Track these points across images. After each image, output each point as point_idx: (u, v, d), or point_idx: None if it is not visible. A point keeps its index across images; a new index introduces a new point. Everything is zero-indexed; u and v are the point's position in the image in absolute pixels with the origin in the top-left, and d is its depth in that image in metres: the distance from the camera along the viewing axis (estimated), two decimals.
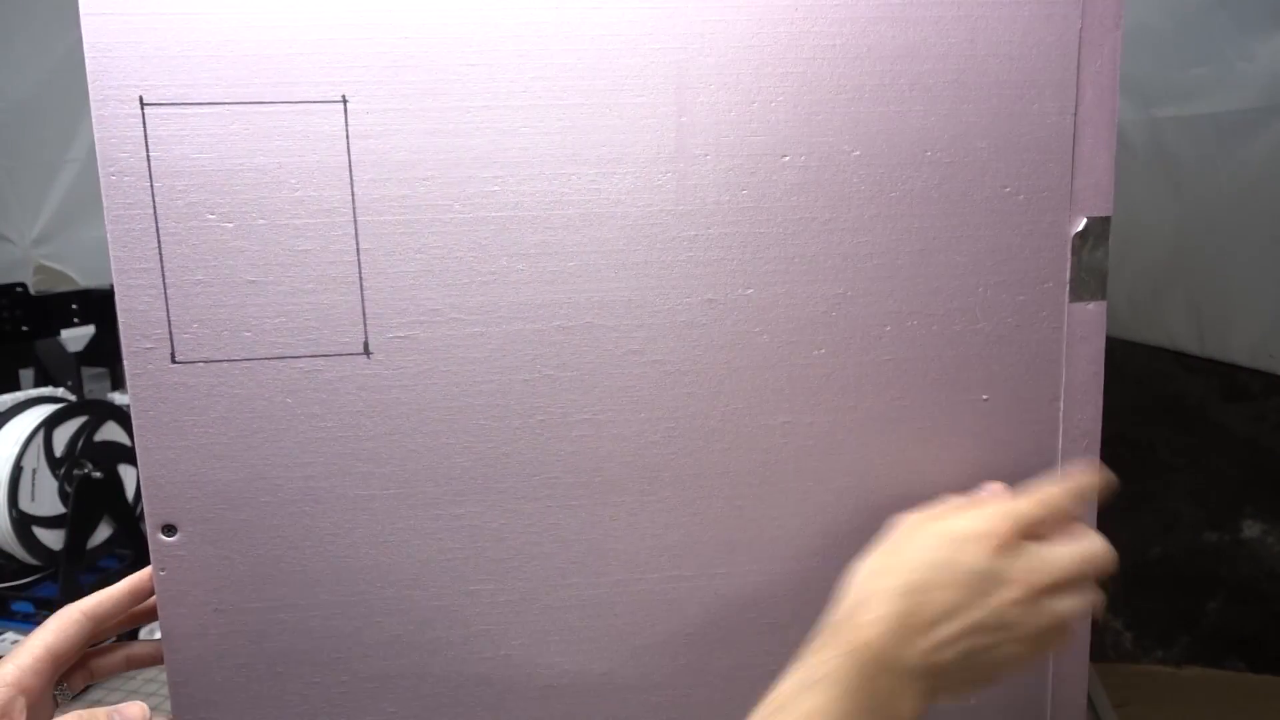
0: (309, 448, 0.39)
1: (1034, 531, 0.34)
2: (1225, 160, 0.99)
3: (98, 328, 1.40)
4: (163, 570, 0.39)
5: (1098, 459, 0.43)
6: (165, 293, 0.38)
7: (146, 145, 0.37)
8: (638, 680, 0.43)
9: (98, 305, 1.40)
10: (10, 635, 1.12)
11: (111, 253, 0.37)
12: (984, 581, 0.29)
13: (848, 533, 0.43)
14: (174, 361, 0.38)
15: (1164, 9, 0.99)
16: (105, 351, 1.40)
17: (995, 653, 0.30)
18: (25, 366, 1.36)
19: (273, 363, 0.38)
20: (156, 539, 0.39)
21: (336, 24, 0.37)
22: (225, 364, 0.38)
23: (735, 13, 0.38)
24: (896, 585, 0.31)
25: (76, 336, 1.38)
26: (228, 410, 0.38)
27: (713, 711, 0.43)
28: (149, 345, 0.38)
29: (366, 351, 0.39)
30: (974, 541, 0.31)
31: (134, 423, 0.38)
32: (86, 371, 1.42)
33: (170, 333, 0.38)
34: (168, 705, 0.40)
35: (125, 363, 0.38)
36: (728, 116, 0.39)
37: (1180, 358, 1.08)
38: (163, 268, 0.37)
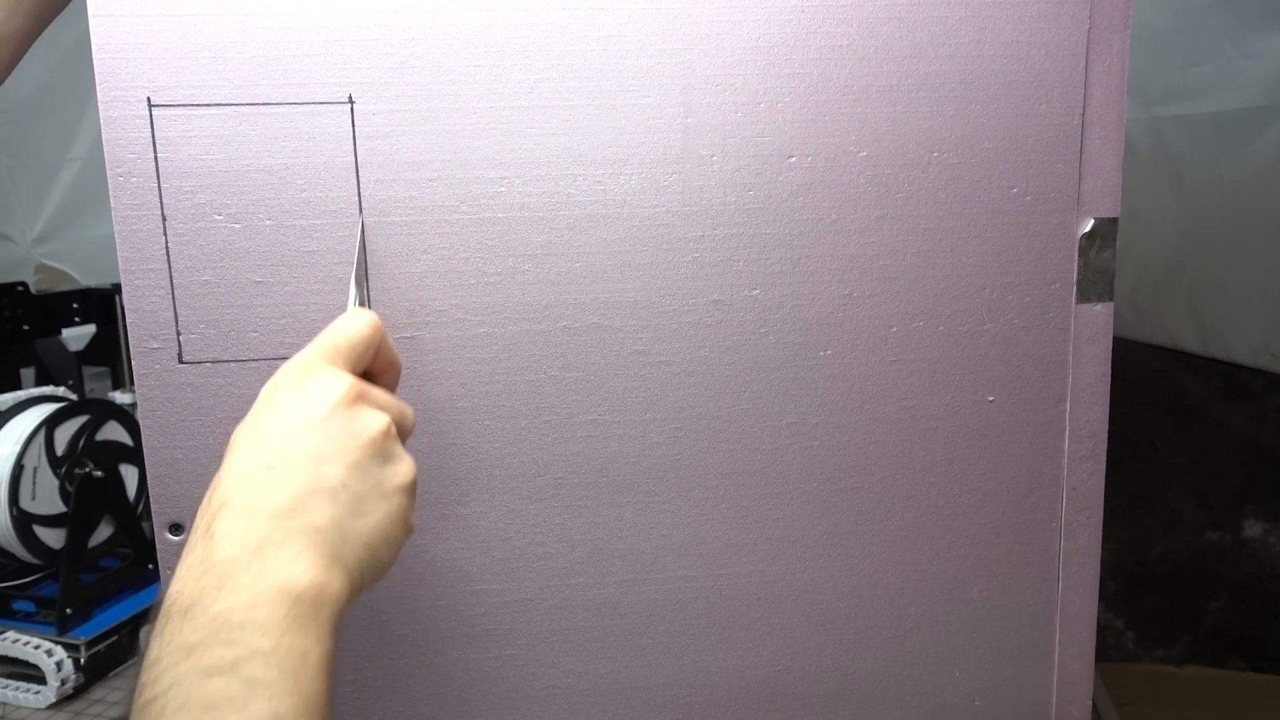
0: None
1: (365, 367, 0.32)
2: (1226, 159, 0.99)
3: (98, 327, 1.40)
4: (169, 569, 0.39)
5: (1105, 461, 0.43)
6: (172, 293, 0.38)
7: (154, 146, 0.37)
8: (642, 680, 0.43)
9: (98, 304, 1.41)
10: (11, 634, 1.12)
11: (119, 253, 0.37)
12: (317, 461, 0.28)
13: (852, 534, 0.43)
14: (181, 362, 0.38)
15: (1165, 8, 0.99)
16: (106, 350, 1.41)
17: (361, 523, 0.28)
18: (26, 365, 1.36)
19: (280, 363, 0.38)
20: (163, 538, 0.39)
21: (343, 25, 0.37)
22: (232, 364, 0.38)
23: (742, 14, 0.38)
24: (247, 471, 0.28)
25: (77, 335, 1.39)
26: (234, 410, 0.38)
27: (717, 711, 0.44)
28: (156, 345, 0.38)
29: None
30: (307, 423, 0.28)
31: (141, 422, 0.38)
32: (87, 370, 1.42)
33: (177, 333, 0.38)
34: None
35: (132, 363, 0.38)
36: (734, 117, 0.39)
37: (1182, 357, 1.09)
38: (170, 268, 0.38)
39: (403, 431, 0.32)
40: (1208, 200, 1.00)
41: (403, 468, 0.30)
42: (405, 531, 0.30)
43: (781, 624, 0.43)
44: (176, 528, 0.39)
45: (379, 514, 0.29)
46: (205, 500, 0.28)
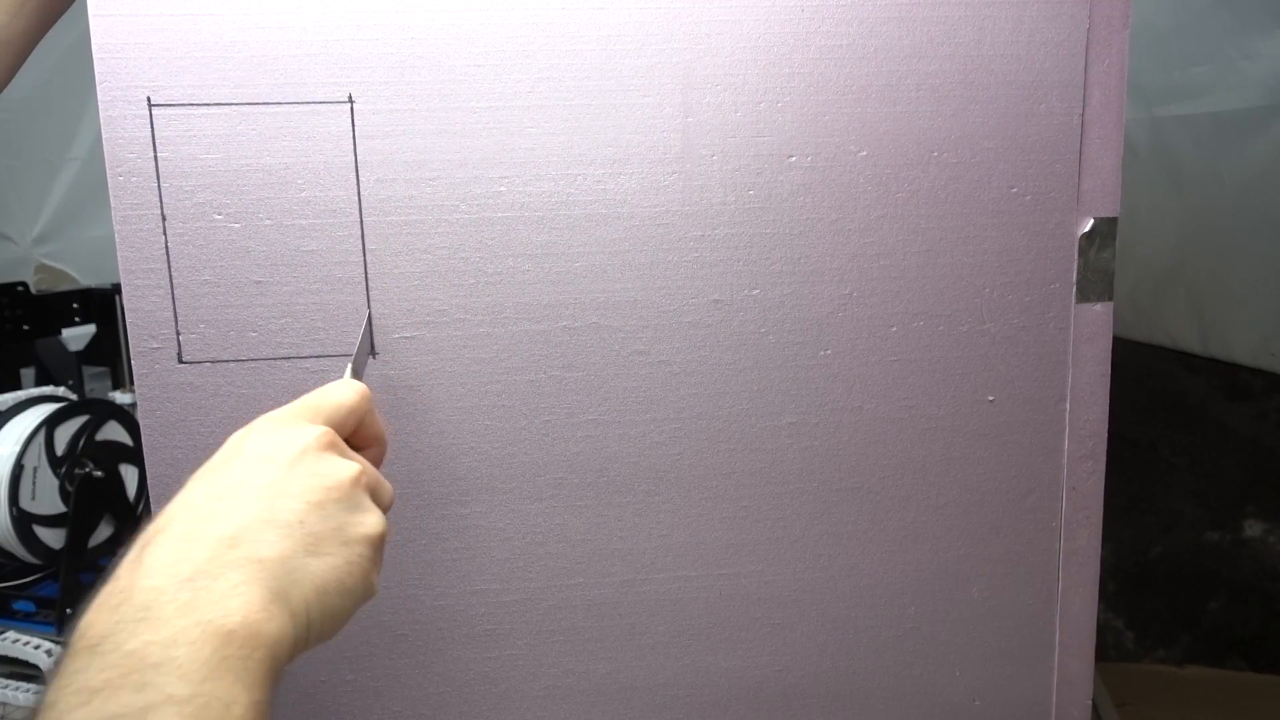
0: None
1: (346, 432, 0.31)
2: (1226, 159, 0.99)
3: (98, 327, 1.40)
4: None
5: (1104, 460, 0.43)
6: (172, 293, 0.38)
7: (154, 146, 0.37)
8: (642, 680, 0.43)
9: (98, 304, 1.41)
10: (11, 634, 1.12)
11: (119, 253, 0.37)
12: (274, 494, 0.25)
13: (852, 534, 0.43)
14: (181, 361, 0.38)
15: (1165, 8, 0.99)
16: (106, 350, 1.41)
17: (315, 564, 0.25)
18: (26, 365, 1.36)
19: (279, 363, 0.39)
20: None
21: (343, 25, 0.37)
22: (232, 364, 0.38)
23: (742, 13, 0.38)
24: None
25: (77, 335, 1.39)
26: (234, 410, 0.38)
27: (717, 711, 0.44)
28: (156, 345, 0.38)
29: (373, 352, 0.39)
30: (268, 460, 0.27)
31: (141, 422, 0.38)
32: (87, 370, 1.42)
33: (177, 333, 0.38)
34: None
35: (132, 362, 0.38)
36: (734, 117, 0.39)
37: (1181, 357, 1.09)
38: (170, 268, 0.38)
39: (380, 502, 0.29)
40: (1208, 200, 1.01)
41: (371, 519, 0.27)
42: (365, 589, 0.27)
43: (782, 624, 0.43)
44: None
45: (337, 558, 0.26)
46: (143, 529, 0.25)
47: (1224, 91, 0.96)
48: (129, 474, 1.29)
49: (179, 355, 0.38)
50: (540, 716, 0.42)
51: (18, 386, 1.33)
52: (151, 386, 0.38)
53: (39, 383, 1.37)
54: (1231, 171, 0.98)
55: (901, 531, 0.43)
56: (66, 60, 1.37)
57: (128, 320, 0.38)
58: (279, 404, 0.39)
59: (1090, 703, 0.45)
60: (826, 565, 0.43)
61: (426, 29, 0.37)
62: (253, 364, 0.38)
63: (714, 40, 0.38)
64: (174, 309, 0.38)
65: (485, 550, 0.41)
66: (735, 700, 0.44)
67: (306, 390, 0.39)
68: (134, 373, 0.38)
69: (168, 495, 0.39)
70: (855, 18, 0.39)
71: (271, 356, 0.38)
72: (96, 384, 1.43)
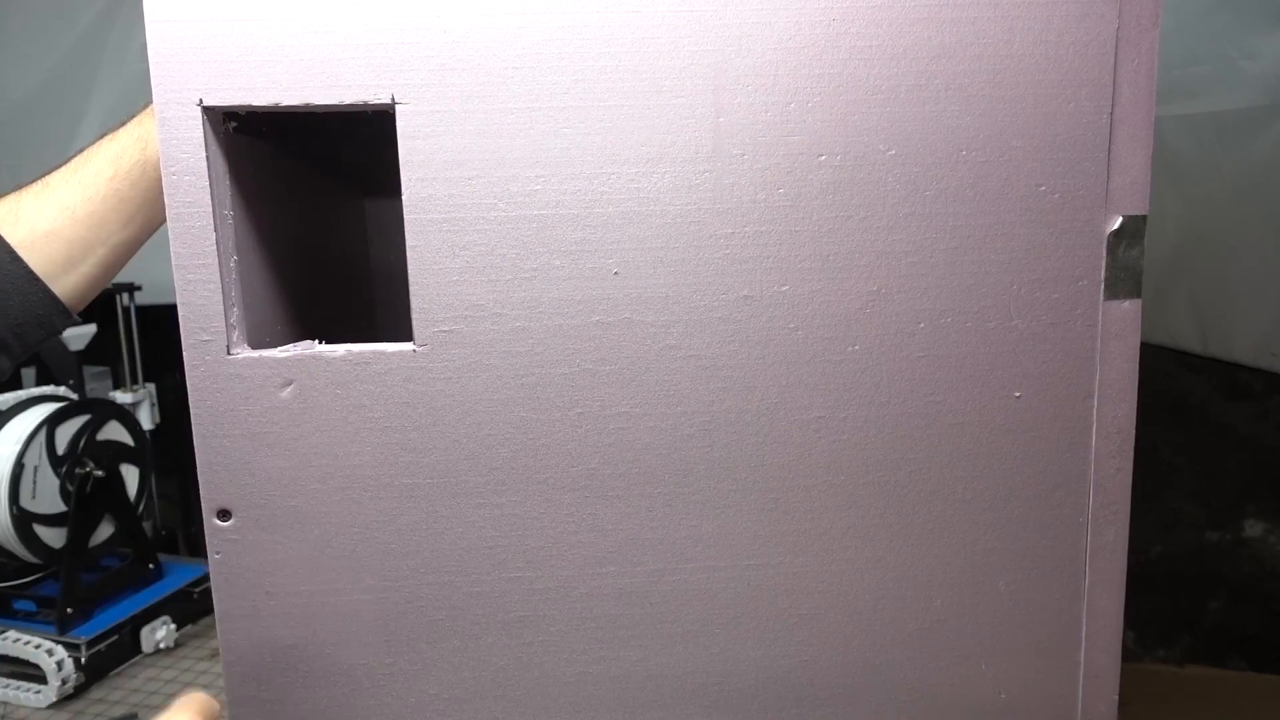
0: (357, 437, 0.43)
1: None
2: (1227, 159, 1.04)
3: (99, 327, 1.46)
4: (218, 554, 0.44)
5: (1132, 457, 0.47)
6: (222, 287, 0.42)
7: (205, 146, 0.41)
8: (671, 668, 0.47)
9: (99, 304, 1.46)
10: (12, 634, 1.18)
11: (172, 249, 0.42)
12: None
13: (880, 527, 0.47)
14: (229, 354, 0.43)
15: (1165, 8, 1.03)
16: (107, 350, 1.47)
17: None
18: (27, 365, 1.42)
19: (320, 357, 0.43)
20: (212, 523, 0.44)
21: (386, 29, 0.41)
22: (278, 356, 0.43)
23: (773, 15, 0.42)
24: None
25: (78, 335, 1.45)
26: (279, 401, 0.43)
27: (744, 700, 0.48)
28: (206, 338, 0.42)
29: (413, 345, 0.43)
30: None
31: (191, 411, 0.43)
32: (88, 370, 1.48)
33: (226, 326, 0.42)
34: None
35: (184, 354, 0.42)
36: (764, 117, 0.43)
37: (1182, 357, 1.14)
38: (220, 263, 0.42)
39: None
40: (1208, 200, 1.06)
41: None
42: None
43: (809, 615, 0.47)
44: (224, 513, 0.44)
45: None
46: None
47: (1224, 91, 1.00)
48: (129, 474, 1.35)
49: (228, 348, 0.43)
50: (571, 701, 0.47)
51: (19, 386, 1.39)
52: (202, 377, 0.43)
53: (40, 382, 1.43)
54: (1232, 171, 1.02)
55: (928, 525, 0.47)
56: (67, 61, 1.43)
57: (180, 314, 0.42)
58: (324, 395, 0.43)
59: (1117, 698, 0.48)
60: (853, 558, 0.47)
61: (466, 33, 0.41)
62: (297, 357, 0.43)
63: (745, 42, 0.42)
64: (224, 303, 0.42)
65: (519, 539, 0.45)
66: (761, 689, 0.47)
67: (350, 382, 0.43)
68: (185, 364, 0.43)
69: (215, 483, 0.43)
70: (885, 19, 0.43)
71: (313, 350, 0.43)
72: (97, 384, 1.49)
